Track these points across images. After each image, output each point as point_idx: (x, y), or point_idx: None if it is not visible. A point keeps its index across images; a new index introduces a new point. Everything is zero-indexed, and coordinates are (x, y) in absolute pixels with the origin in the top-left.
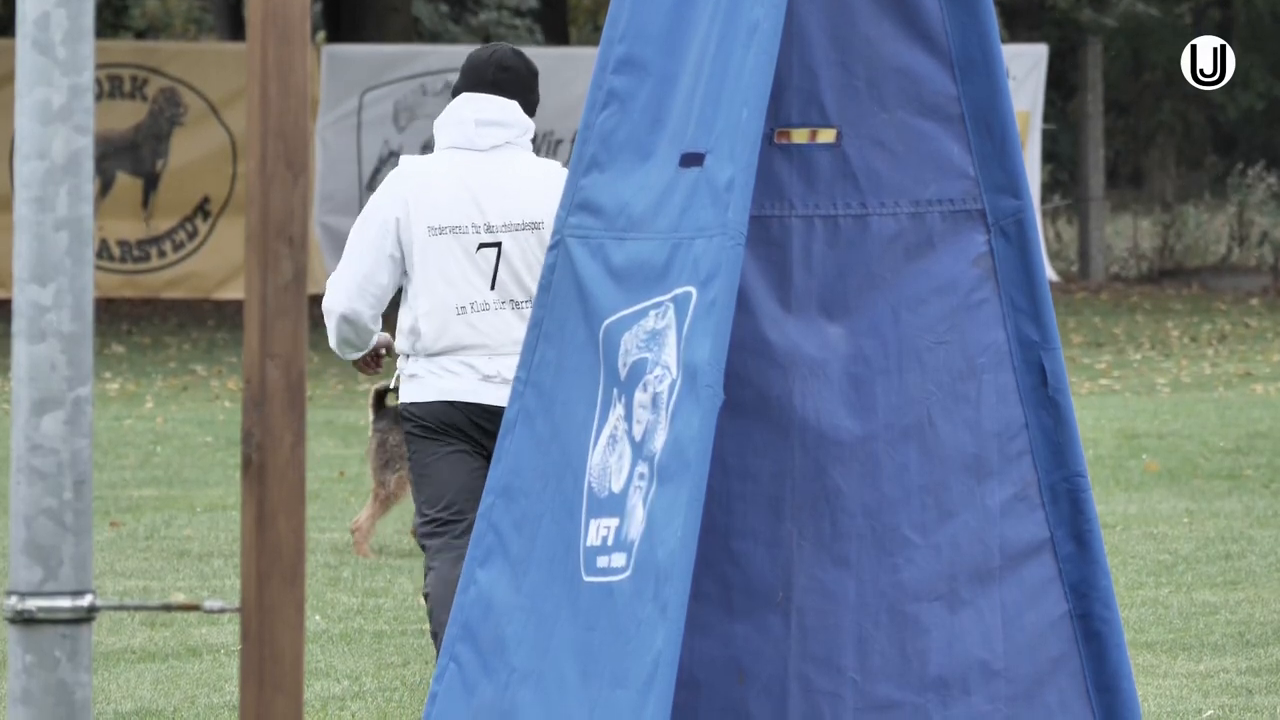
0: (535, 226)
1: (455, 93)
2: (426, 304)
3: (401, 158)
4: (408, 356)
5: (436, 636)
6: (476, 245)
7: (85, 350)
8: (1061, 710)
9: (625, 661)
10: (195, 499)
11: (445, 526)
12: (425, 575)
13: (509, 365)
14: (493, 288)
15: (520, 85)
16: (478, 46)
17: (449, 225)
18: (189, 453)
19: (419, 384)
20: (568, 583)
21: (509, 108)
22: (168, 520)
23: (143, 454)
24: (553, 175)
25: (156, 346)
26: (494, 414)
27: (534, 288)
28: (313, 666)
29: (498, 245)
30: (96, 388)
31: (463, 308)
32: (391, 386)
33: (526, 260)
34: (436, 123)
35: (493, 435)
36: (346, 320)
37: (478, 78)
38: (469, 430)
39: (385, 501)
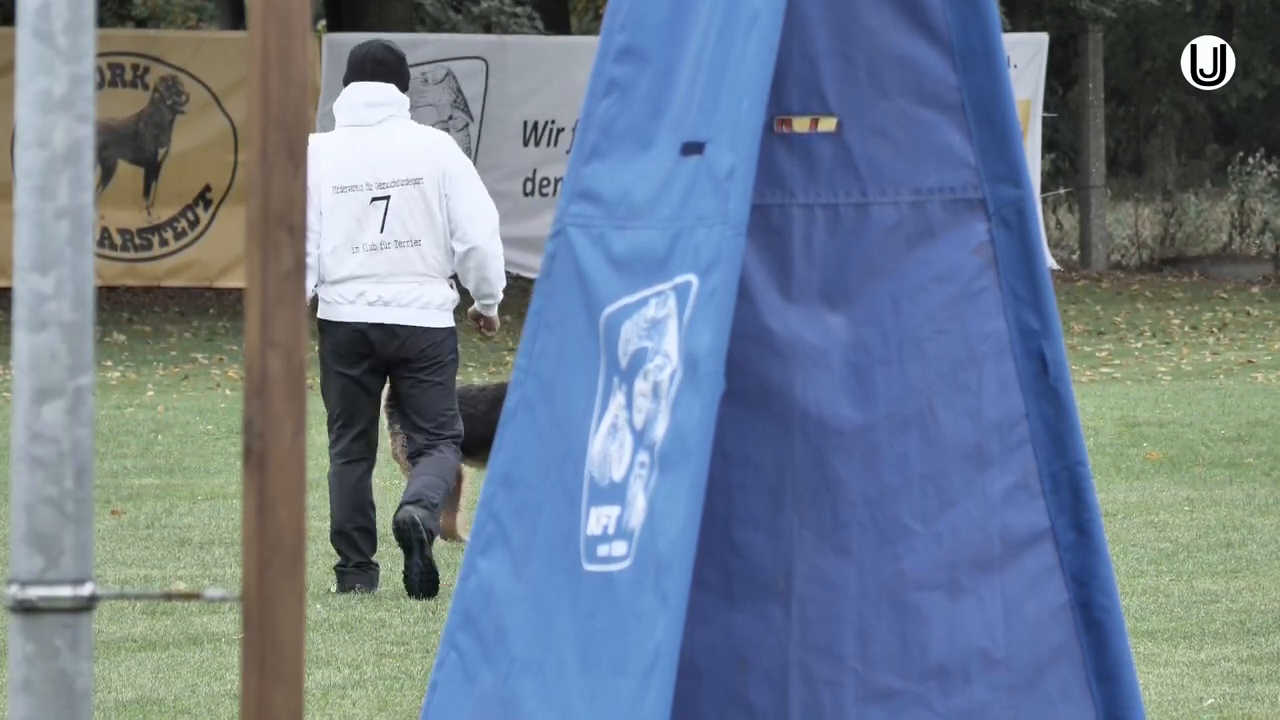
0: (416, 181)
1: (345, 83)
2: (330, 244)
3: (311, 136)
4: (320, 283)
5: (339, 534)
6: (370, 199)
7: (86, 339)
8: (1062, 699)
9: (626, 650)
10: (196, 488)
11: (344, 430)
12: (329, 454)
13: (390, 291)
14: (381, 231)
15: (391, 71)
16: (360, 43)
17: (349, 185)
18: (190, 441)
19: (328, 308)
20: (568, 572)
21: (388, 90)
22: (169, 509)
23: (144, 442)
24: (428, 140)
25: (157, 335)
26: (380, 329)
27: (414, 230)
28: (314, 655)
29: (387, 198)
30: (97, 376)
31: (357, 247)
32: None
33: (409, 208)
34: (334, 107)
35: (373, 345)
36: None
37: (359, 71)
38: (361, 347)
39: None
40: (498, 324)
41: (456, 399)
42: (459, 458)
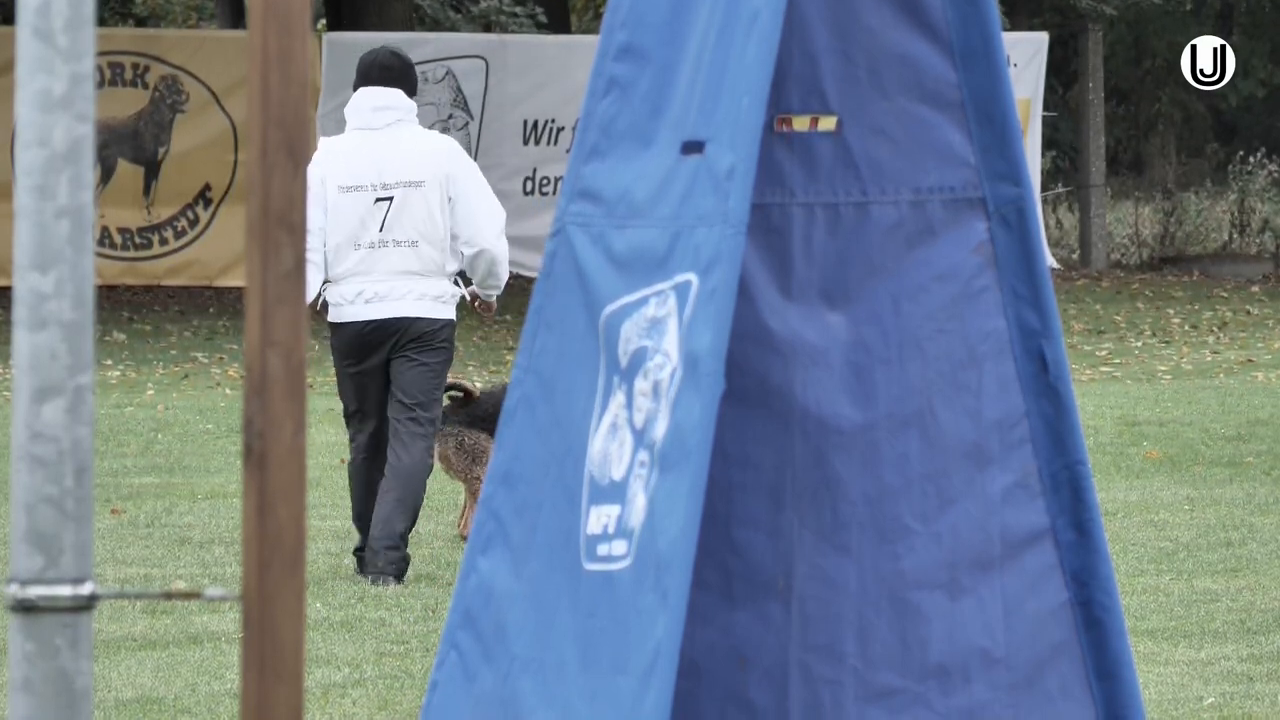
0: (418, 184)
1: (355, 88)
2: (334, 240)
3: (321, 139)
4: (326, 282)
5: (360, 518)
6: (374, 199)
7: (86, 338)
8: (1062, 697)
9: (626, 649)
10: (196, 487)
11: (361, 424)
12: (350, 447)
13: (386, 287)
14: (382, 230)
15: (398, 77)
16: (369, 49)
17: (354, 185)
18: (190, 440)
19: (334, 310)
20: (568, 571)
21: (395, 95)
22: (168, 508)
23: (144, 442)
24: (433, 145)
25: (157, 334)
26: (379, 323)
27: (412, 231)
28: (314, 654)
29: (390, 198)
30: (97, 375)
31: (358, 244)
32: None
33: (410, 208)
34: (345, 111)
35: (375, 341)
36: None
37: (367, 76)
38: (365, 344)
39: None
40: (494, 308)
41: (487, 398)
42: (430, 456)
